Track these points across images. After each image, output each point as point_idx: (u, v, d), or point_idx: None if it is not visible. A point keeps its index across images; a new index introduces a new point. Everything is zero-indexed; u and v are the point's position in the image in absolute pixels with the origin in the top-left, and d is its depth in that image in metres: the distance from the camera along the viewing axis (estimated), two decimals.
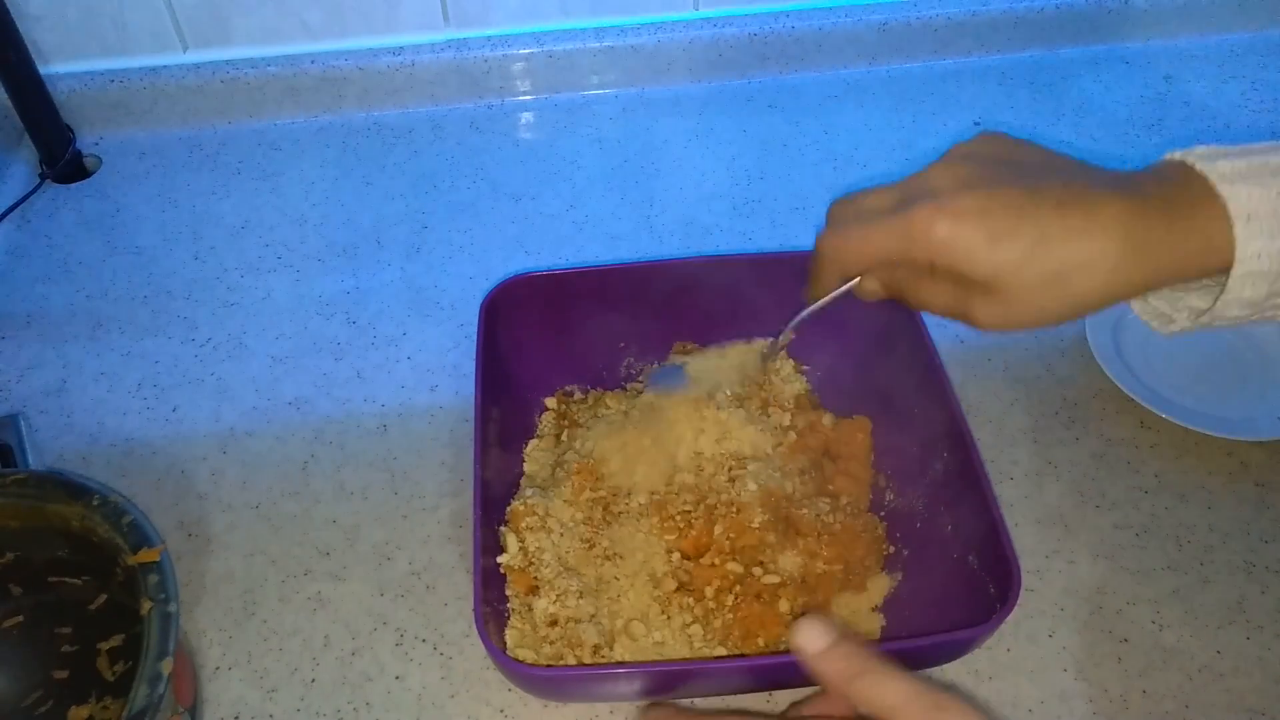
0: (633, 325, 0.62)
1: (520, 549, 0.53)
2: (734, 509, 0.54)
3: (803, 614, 0.51)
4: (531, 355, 0.61)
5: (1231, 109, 0.86)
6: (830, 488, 0.57)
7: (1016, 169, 0.38)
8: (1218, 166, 0.36)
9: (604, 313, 0.61)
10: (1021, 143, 0.41)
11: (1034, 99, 0.87)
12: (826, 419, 0.60)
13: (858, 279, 0.42)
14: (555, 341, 0.61)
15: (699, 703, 0.51)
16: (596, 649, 0.50)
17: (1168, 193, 0.37)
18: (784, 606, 0.52)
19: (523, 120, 0.87)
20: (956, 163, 0.39)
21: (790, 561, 0.53)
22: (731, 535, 0.53)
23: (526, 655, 0.50)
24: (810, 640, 0.42)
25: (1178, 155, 0.38)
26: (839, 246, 0.41)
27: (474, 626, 0.55)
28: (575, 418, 0.61)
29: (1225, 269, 0.36)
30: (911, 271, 0.40)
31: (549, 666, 0.49)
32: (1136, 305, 0.43)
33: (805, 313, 0.45)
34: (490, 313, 0.57)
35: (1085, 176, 0.38)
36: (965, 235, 0.36)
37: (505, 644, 0.50)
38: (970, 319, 0.39)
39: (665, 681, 0.46)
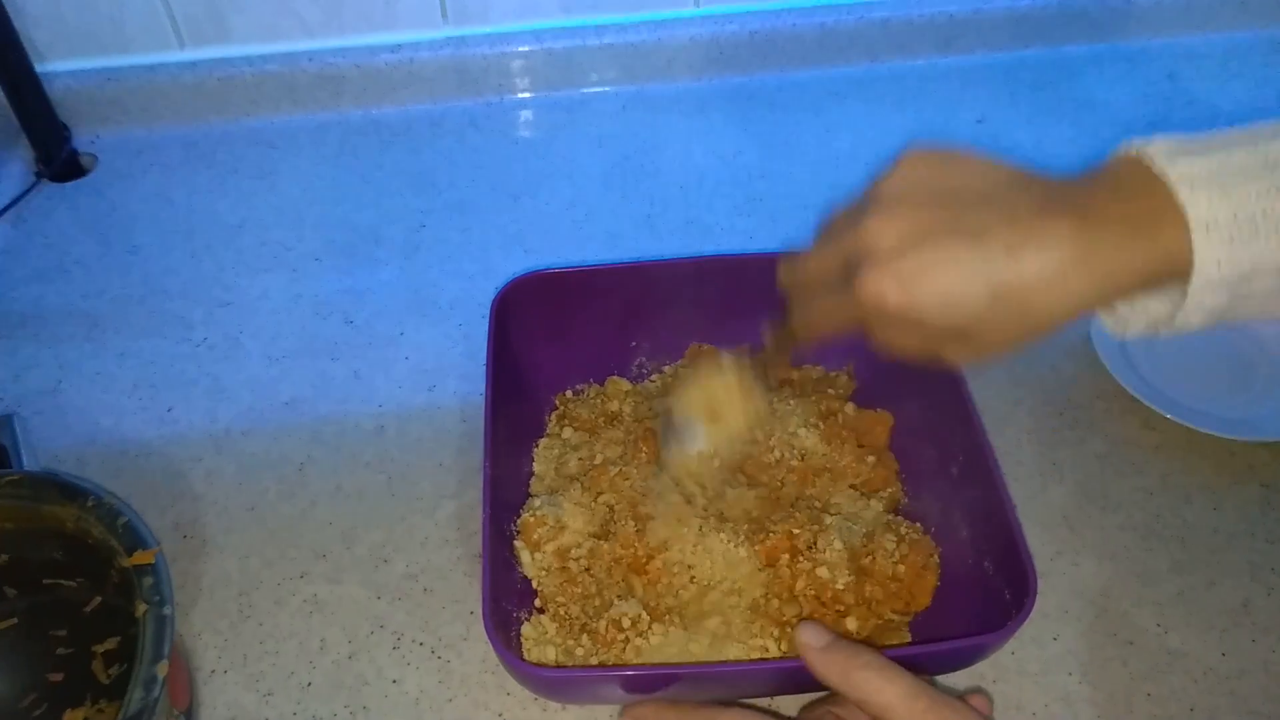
0: (645, 324, 0.62)
1: (531, 556, 0.53)
2: (817, 577, 0.51)
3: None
4: (542, 353, 0.60)
5: (1235, 107, 0.86)
6: (863, 482, 0.57)
7: (954, 203, 0.36)
8: (1178, 167, 0.34)
9: (616, 311, 0.60)
10: (952, 160, 0.38)
11: (1037, 97, 0.87)
12: (849, 407, 0.59)
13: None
14: (566, 340, 0.61)
15: None
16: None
17: (1124, 203, 0.35)
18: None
19: (522, 118, 0.87)
20: (890, 208, 0.37)
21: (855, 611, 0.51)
22: (811, 592, 0.51)
23: (533, 656, 0.49)
24: (813, 637, 0.43)
25: (1135, 149, 0.36)
26: (807, 328, 0.43)
27: (472, 630, 0.55)
28: (575, 413, 0.61)
29: (1186, 276, 0.35)
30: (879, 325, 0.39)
31: (558, 667, 0.48)
32: None
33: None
34: (501, 310, 0.57)
35: (1030, 196, 0.36)
36: (917, 302, 0.36)
37: (511, 645, 0.50)
38: (941, 360, 0.39)
39: (674, 685, 0.45)
